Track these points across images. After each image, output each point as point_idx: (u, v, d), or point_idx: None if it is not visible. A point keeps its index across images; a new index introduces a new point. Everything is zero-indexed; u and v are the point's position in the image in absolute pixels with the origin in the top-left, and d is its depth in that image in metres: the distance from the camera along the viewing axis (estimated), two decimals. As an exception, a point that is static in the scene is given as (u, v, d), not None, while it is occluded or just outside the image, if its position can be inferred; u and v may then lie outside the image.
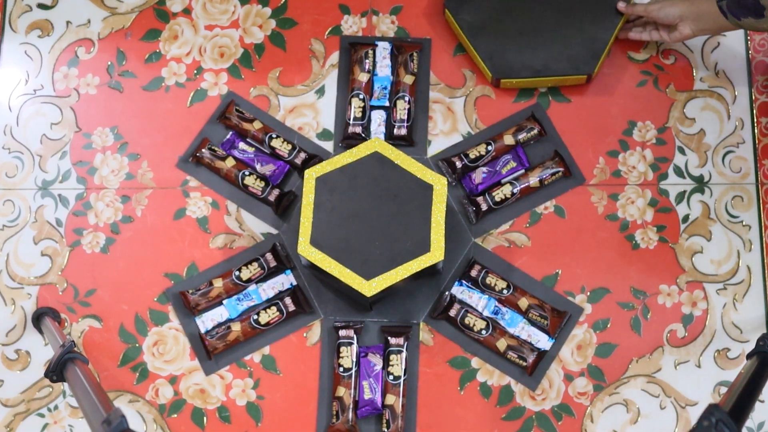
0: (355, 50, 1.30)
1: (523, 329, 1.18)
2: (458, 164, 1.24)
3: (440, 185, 1.06)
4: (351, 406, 1.16)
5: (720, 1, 1.09)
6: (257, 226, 1.25)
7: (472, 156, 1.24)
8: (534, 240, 1.22)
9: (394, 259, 1.02)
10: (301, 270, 1.22)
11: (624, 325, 1.20)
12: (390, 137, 1.26)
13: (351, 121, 1.26)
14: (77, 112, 1.31)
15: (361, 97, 1.26)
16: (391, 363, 1.18)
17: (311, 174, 1.06)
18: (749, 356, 1.01)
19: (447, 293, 1.19)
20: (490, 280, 1.20)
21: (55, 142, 1.30)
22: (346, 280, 1.02)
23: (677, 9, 1.16)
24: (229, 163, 1.25)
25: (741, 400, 0.83)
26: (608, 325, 1.20)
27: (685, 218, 1.24)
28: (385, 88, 1.27)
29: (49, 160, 1.29)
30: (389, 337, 1.19)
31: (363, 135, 1.25)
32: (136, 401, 1.20)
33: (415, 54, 1.29)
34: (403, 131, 1.25)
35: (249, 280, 1.21)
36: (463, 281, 1.21)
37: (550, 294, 1.21)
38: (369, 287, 1.02)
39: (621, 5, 1.23)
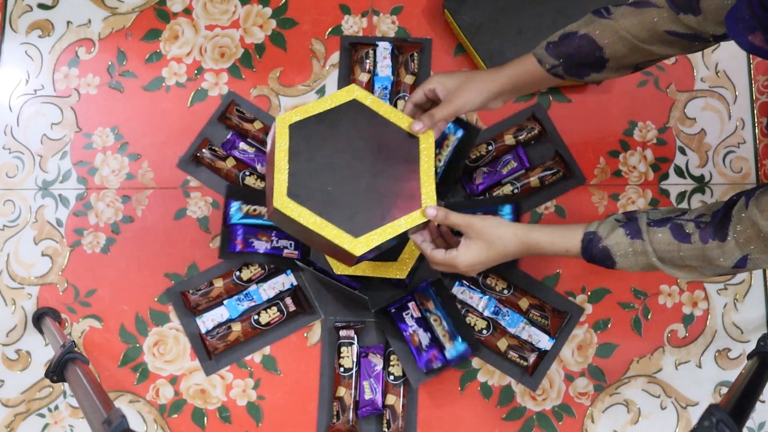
0: (355, 50, 1.30)
1: (523, 329, 1.18)
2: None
3: (428, 136, 0.95)
4: (351, 406, 1.16)
5: (553, 69, 0.93)
6: (258, 226, 1.25)
7: (472, 156, 1.24)
8: (534, 240, 1.22)
9: (384, 216, 0.90)
10: (302, 270, 1.22)
11: (625, 325, 1.20)
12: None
13: (351, 121, 1.26)
14: (78, 112, 1.31)
15: (361, 97, 1.26)
16: (391, 363, 1.18)
17: (284, 120, 0.90)
18: (750, 356, 1.01)
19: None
20: (491, 280, 1.20)
21: (55, 142, 1.30)
22: (332, 237, 0.88)
23: (486, 90, 0.95)
24: (230, 163, 1.25)
25: (742, 401, 0.84)
26: (609, 326, 1.20)
27: (686, 218, 1.24)
28: (386, 88, 1.27)
29: (50, 160, 1.29)
30: (390, 338, 1.19)
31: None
32: (136, 401, 1.20)
33: (415, 54, 1.29)
34: (404, 131, 1.24)
35: (249, 280, 1.21)
36: (464, 281, 1.21)
37: (550, 294, 1.21)
38: (357, 245, 0.88)
39: (417, 126, 0.95)
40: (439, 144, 1.21)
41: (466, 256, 0.91)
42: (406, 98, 1.04)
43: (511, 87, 0.96)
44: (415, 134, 0.94)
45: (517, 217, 1.17)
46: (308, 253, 1.22)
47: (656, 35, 0.86)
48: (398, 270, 1.05)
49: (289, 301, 1.20)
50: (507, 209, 1.17)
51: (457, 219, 0.92)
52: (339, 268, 1.06)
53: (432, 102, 1.00)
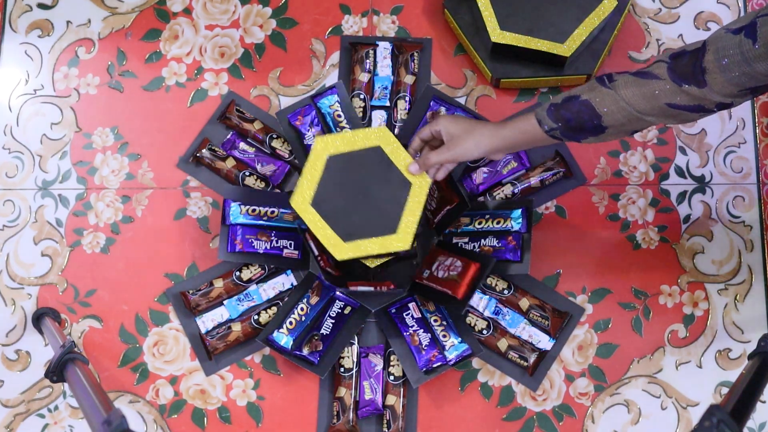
0: (355, 50, 1.30)
1: (524, 329, 1.18)
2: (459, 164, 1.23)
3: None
4: (352, 407, 1.16)
5: (551, 131, 0.95)
6: (258, 227, 1.25)
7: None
8: (535, 240, 1.22)
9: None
10: (302, 270, 1.22)
11: (625, 325, 1.20)
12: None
13: (351, 121, 1.26)
14: (77, 112, 1.31)
15: (361, 97, 1.26)
16: (391, 363, 1.18)
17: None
18: (751, 356, 1.00)
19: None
20: (491, 280, 1.20)
21: (55, 142, 1.30)
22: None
23: (485, 145, 0.99)
24: (230, 163, 1.25)
25: (742, 401, 0.83)
26: (609, 326, 1.20)
27: (687, 218, 1.24)
28: (386, 88, 1.27)
29: (50, 160, 1.29)
30: (390, 338, 1.18)
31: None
32: (136, 402, 1.20)
33: (415, 54, 1.28)
34: (404, 131, 1.25)
35: (249, 281, 1.21)
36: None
37: (551, 294, 1.21)
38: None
39: (413, 168, 1.05)
40: None
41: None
42: (416, 131, 1.08)
43: (509, 145, 0.99)
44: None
45: (528, 222, 1.17)
46: (308, 254, 1.22)
47: (656, 107, 0.87)
48: (401, 241, 1.05)
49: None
50: (517, 213, 1.17)
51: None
52: (341, 254, 1.06)
53: (440, 142, 1.04)
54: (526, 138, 0.98)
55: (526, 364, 1.17)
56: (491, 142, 0.99)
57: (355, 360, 1.18)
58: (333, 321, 1.18)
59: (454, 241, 1.20)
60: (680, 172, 1.26)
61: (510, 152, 1.02)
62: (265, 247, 1.19)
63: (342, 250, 1.05)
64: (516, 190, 1.23)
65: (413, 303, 1.19)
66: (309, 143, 1.23)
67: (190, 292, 1.21)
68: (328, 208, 1.06)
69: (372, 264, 1.10)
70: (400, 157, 1.06)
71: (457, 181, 1.24)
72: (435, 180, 1.07)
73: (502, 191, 1.23)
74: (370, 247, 1.05)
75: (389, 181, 1.06)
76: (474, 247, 1.18)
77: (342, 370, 1.18)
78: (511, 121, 0.99)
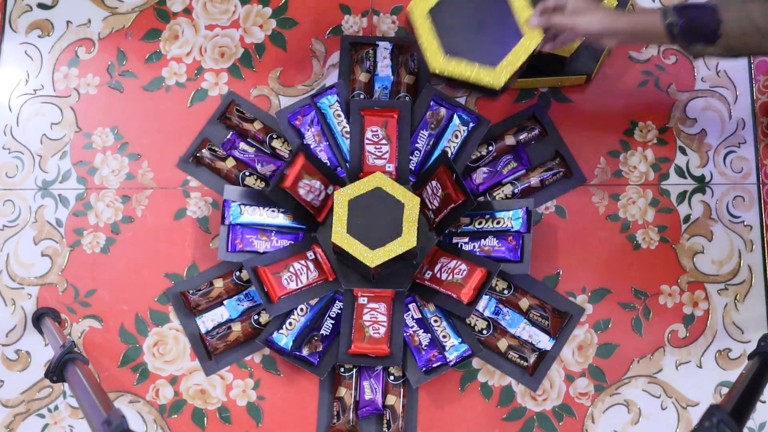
0: (355, 50, 1.30)
1: (524, 329, 1.18)
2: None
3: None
4: (352, 407, 1.16)
5: (671, 26, 0.96)
6: (258, 227, 1.25)
7: (473, 156, 1.24)
8: (535, 240, 1.22)
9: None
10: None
11: (625, 325, 1.20)
12: (391, 137, 1.26)
13: (351, 121, 1.26)
14: (77, 112, 1.31)
15: (361, 96, 1.26)
16: (391, 363, 1.18)
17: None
18: (751, 356, 1.00)
19: None
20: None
21: (55, 142, 1.30)
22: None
23: (605, 22, 1.01)
24: (230, 163, 1.25)
25: (742, 401, 0.83)
26: (609, 326, 1.20)
27: (687, 218, 1.24)
28: (386, 88, 1.27)
29: (50, 160, 1.29)
30: (390, 338, 1.19)
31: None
32: (136, 402, 1.20)
33: (415, 54, 1.28)
34: (404, 131, 1.25)
35: (249, 281, 1.21)
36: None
37: (551, 294, 1.21)
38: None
39: (533, 20, 1.05)
40: (450, 133, 1.22)
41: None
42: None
43: (626, 30, 1.01)
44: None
45: (528, 222, 1.17)
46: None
47: None
48: (494, 77, 1.07)
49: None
50: (517, 213, 1.17)
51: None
52: (437, 65, 1.07)
53: None
54: (643, 28, 0.99)
55: (526, 364, 1.17)
56: (612, 20, 1.01)
57: (355, 360, 1.18)
58: (333, 321, 1.18)
59: (455, 241, 1.20)
60: (680, 172, 1.26)
61: (623, 42, 1.03)
62: (265, 247, 1.19)
63: (440, 61, 1.06)
64: (516, 190, 1.23)
65: (413, 303, 1.19)
66: (309, 143, 1.23)
67: (190, 292, 1.21)
68: (441, 23, 1.07)
69: (372, 263, 1.09)
70: (520, 8, 1.07)
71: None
72: (537, 52, 1.08)
73: (502, 191, 1.23)
74: (465, 70, 1.06)
75: (503, 25, 1.07)
76: (474, 247, 1.18)
77: (342, 370, 1.18)
78: (637, 9, 1.02)
